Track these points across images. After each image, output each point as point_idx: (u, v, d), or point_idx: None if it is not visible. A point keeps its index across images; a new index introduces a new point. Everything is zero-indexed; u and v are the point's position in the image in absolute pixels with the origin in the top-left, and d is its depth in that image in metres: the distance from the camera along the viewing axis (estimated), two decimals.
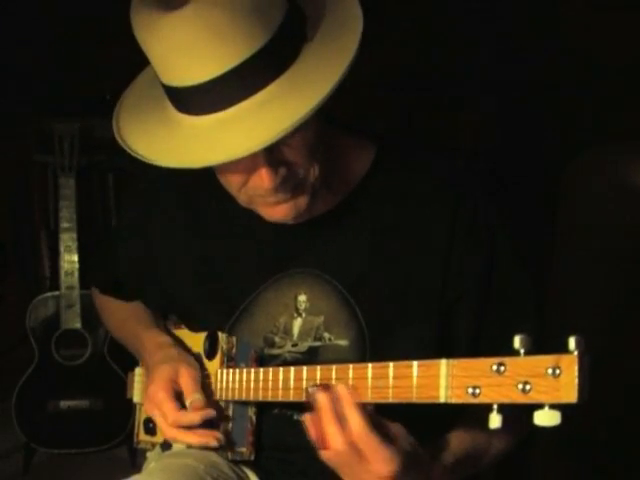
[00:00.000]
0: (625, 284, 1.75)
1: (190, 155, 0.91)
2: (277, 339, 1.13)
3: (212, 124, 0.90)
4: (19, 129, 2.67)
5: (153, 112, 0.97)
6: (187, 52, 0.87)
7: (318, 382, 0.93)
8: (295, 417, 1.12)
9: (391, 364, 0.86)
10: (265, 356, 1.13)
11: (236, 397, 1.09)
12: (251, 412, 1.13)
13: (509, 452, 1.12)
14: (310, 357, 1.10)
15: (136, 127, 0.98)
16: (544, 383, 0.71)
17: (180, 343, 1.20)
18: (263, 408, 1.13)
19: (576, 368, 0.69)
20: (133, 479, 1.10)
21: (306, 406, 0.91)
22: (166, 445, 1.23)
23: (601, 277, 1.78)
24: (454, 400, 0.78)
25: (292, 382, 0.98)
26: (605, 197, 1.78)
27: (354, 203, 1.10)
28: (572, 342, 0.69)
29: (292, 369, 0.99)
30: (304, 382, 0.96)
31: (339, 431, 0.86)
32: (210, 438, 1.07)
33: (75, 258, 2.44)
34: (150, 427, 1.26)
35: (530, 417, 0.72)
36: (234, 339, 1.11)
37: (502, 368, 0.74)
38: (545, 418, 0.71)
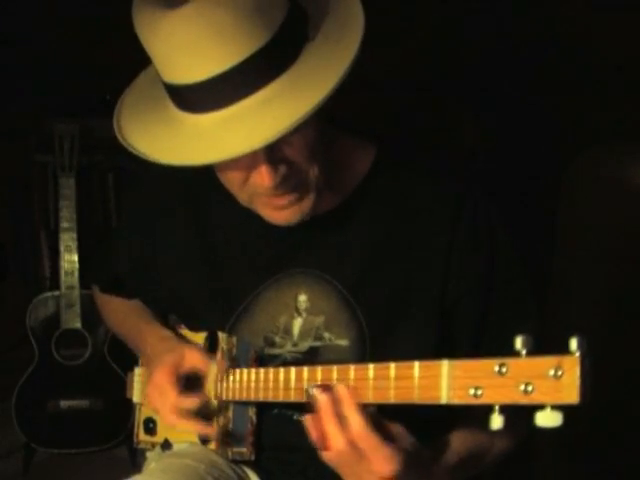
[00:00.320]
0: (625, 284, 1.75)
1: (191, 153, 0.91)
2: (277, 339, 1.13)
3: (213, 122, 0.90)
4: (19, 129, 2.67)
5: (154, 111, 0.97)
6: (189, 50, 0.87)
7: (319, 383, 0.93)
8: (295, 417, 1.12)
9: (392, 364, 0.86)
10: (265, 356, 1.13)
11: (236, 397, 1.09)
12: (251, 412, 1.13)
13: (511, 452, 1.12)
14: (310, 357, 1.10)
15: (137, 126, 0.98)
16: (546, 384, 0.71)
17: (181, 338, 1.20)
18: (263, 408, 1.13)
19: (578, 369, 0.69)
20: (133, 479, 1.10)
21: (306, 406, 0.92)
22: (166, 445, 1.23)
23: (601, 277, 1.78)
24: (456, 401, 0.78)
25: (293, 382, 0.98)
26: (605, 197, 1.78)
27: (355, 203, 1.10)
28: (574, 343, 0.69)
29: (293, 369, 0.99)
30: (305, 382, 0.96)
31: (340, 431, 0.86)
32: (207, 428, 1.08)
33: (75, 258, 2.44)
34: (150, 427, 1.26)
35: (532, 418, 0.72)
36: (234, 339, 1.11)
37: (504, 369, 0.74)
38: (547, 419, 0.71)
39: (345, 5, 0.94)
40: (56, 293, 2.47)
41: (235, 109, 0.89)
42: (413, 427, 0.91)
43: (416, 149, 1.18)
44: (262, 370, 1.05)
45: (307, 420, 0.89)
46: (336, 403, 0.87)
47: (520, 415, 0.75)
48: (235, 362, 1.11)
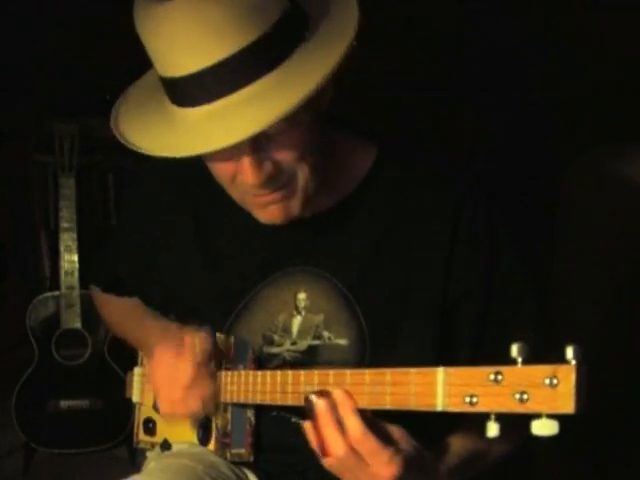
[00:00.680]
0: (625, 284, 1.75)
1: (176, 146, 0.93)
2: (276, 337, 1.13)
3: (201, 116, 0.91)
4: (19, 129, 2.67)
5: (151, 105, 0.99)
6: (179, 43, 0.88)
7: (316, 387, 0.93)
8: (294, 419, 1.12)
9: (388, 370, 0.86)
10: (264, 356, 1.13)
11: (234, 399, 1.09)
12: (250, 414, 1.13)
13: (510, 453, 1.12)
14: (309, 356, 1.10)
15: (132, 118, 1.00)
16: (541, 393, 0.70)
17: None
18: (262, 410, 1.13)
19: (573, 378, 0.68)
20: (132, 479, 1.10)
21: (305, 413, 0.92)
22: (165, 445, 1.23)
23: (601, 277, 1.78)
24: (451, 408, 0.78)
25: (290, 386, 0.98)
26: (605, 197, 1.78)
27: (355, 202, 1.10)
28: (570, 351, 0.69)
29: (290, 373, 0.99)
30: (302, 386, 0.96)
31: (339, 436, 0.86)
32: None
33: (75, 258, 2.44)
34: (150, 427, 1.27)
35: (528, 426, 0.71)
36: (232, 340, 1.11)
37: (499, 377, 0.73)
38: (543, 428, 0.70)
39: (344, 7, 0.94)
40: (56, 293, 2.47)
41: (222, 103, 0.90)
42: (414, 429, 0.91)
43: (417, 149, 1.18)
44: (259, 373, 1.05)
45: (306, 427, 0.89)
46: (334, 408, 0.87)
47: (517, 422, 0.75)
48: (233, 363, 1.11)
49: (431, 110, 2.60)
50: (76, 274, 2.44)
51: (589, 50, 2.35)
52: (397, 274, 1.08)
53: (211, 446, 1.12)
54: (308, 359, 1.10)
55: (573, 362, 0.69)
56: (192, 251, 1.18)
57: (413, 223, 1.09)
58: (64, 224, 2.46)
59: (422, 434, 0.92)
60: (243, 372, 1.08)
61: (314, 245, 1.12)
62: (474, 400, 0.75)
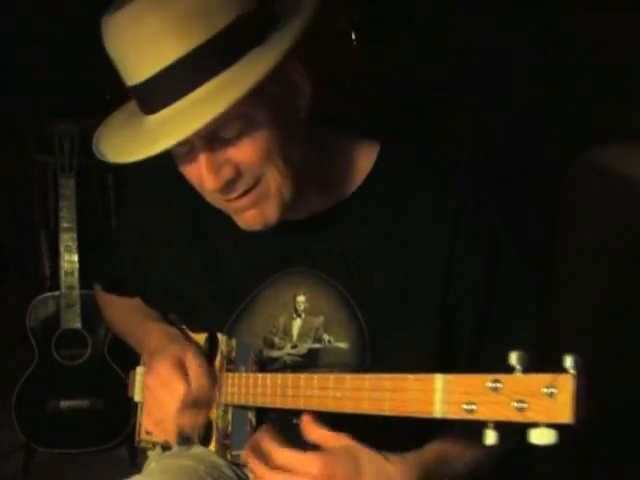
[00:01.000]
0: (625, 284, 1.75)
1: (130, 150, 0.96)
2: (276, 340, 1.13)
3: (157, 121, 0.93)
4: (19, 129, 2.67)
5: (131, 119, 1.01)
6: (130, 51, 0.92)
7: (316, 390, 0.95)
8: (294, 421, 1.12)
9: (387, 376, 0.86)
10: (265, 359, 1.13)
11: (235, 401, 1.09)
12: (251, 415, 1.13)
13: (509, 454, 1.12)
14: (310, 360, 1.10)
15: (109, 128, 1.06)
16: (540, 402, 0.70)
17: (187, 338, 1.20)
18: (262, 411, 1.13)
19: (572, 388, 0.68)
20: (132, 479, 1.10)
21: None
22: (167, 445, 1.23)
23: (601, 277, 1.78)
24: (449, 416, 0.78)
25: (290, 390, 0.99)
26: (605, 197, 1.78)
27: (354, 202, 1.10)
28: (568, 361, 0.68)
29: (290, 377, 0.99)
30: (301, 390, 0.97)
31: (272, 469, 0.94)
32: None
33: (75, 258, 2.44)
34: None
35: (526, 435, 0.71)
36: (234, 342, 1.11)
37: (498, 385, 0.73)
38: (541, 437, 0.70)
39: (303, 9, 0.94)
40: (56, 293, 2.47)
41: (173, 109, 0.92)
42: (414, 435, 0.91)
43: (417, 149, 1.18)
44: (260, 376, 1.05)
45: None
46: (255, 450, 0.96)
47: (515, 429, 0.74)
48: (235, 365, 1.11)
49: (431, 110, 2.60)
50: (76, 274, 2.44)
51: (589, 50, 2.35)
52: (397, 275, 1.08)
53: (212, 447, 1.12)
54: (309, 363, 1.10)
55: (572, 371, 0.68)
56: (191, 252, 1.18)
57: (413, 223, 1.08)
58: (64, 224, 2.46)
59: (423, 439, 0.92)
60: (244, 374, 1.08)
61: (313, 246, 1.11)
62: (472, 408, 0.75)
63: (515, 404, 0.71)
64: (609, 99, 2.33)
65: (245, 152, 0.95)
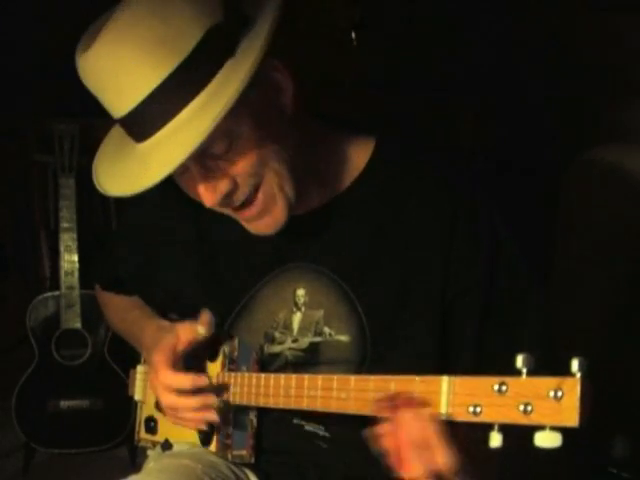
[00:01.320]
0: (625, 284, 1.75)
1: (126, 185, 0.98)
2: (277, 334, 1.13)
3: (146, 151, 0.94)
4: (19, 129, 2.67)
5: (120, 140, 1.02)
6: (108, 85, 0.93)
7: (319, 392, 0.93)
8: (296, 421, 1.12)
9: (393, 378, 0.85)
10: (266, 356, 1.13)
11: (237, 401, 1.09)
12: (252, 415, 1.13)
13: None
14: (311, 354, 1.10)
15: (105, 162, 1.09)
16: (546, 405, 0.70)
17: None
18: (264, 411, 1.13)
19: (578, 391, 0.68)
20: (131, 479, 1.10)
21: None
22: (166, 445, 1.23)
23: (601, 277, 1.78)
24: (455, 418, 0.78)
25: (293, 390, 0.99)
26: (605, 197, 1.78)
27: (350, 196, 1.10)
28: (575, 364, 0.69)
29: (293, 377, 0.99)
30: (305, 390, 0.97)
31: (426, 460, 0.80)
32: (205, 417, 1.08)
33: (75, 258, 2.44)
34: (151, 426, 1.27)
35: (531, 437, 0.71)
36: (236, 341, 1.11)
37: (504, 388, 0.73)
38: (546, 439, 0.70)
39: (267, 10, 0.93)
40: (56, 293, 2.47)
41: (160, 135, 0.92)
42: None
43: (415, 147, 1.18)
44: (263, 376, 1.05)
45: (380, 436, 0.83)
46: (421, 428, 0.80)
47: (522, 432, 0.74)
48: (236, 365, 1.11)
49: (431, 110, 2.60)
50: (76, 274, 2.43)
51: (589, 50, 2.35)
52: (396, 271, 1.08)
53: (213, 447, 1.12)
54: (310, 357, 1.10)
55: (578, 375, 0.68)
56: (192, 252, 1.18)
57: (412, 223, 1.08)
58: (64, 224, 2.45)
59: None
60: (247, 374, 1.08)
61: (311, 241, 1.11)
62: (478, 410, 0.75)
63: (521, 406, 0.71)
64: (609, 99, 2.33)
65: (238, 165, 0.96)
